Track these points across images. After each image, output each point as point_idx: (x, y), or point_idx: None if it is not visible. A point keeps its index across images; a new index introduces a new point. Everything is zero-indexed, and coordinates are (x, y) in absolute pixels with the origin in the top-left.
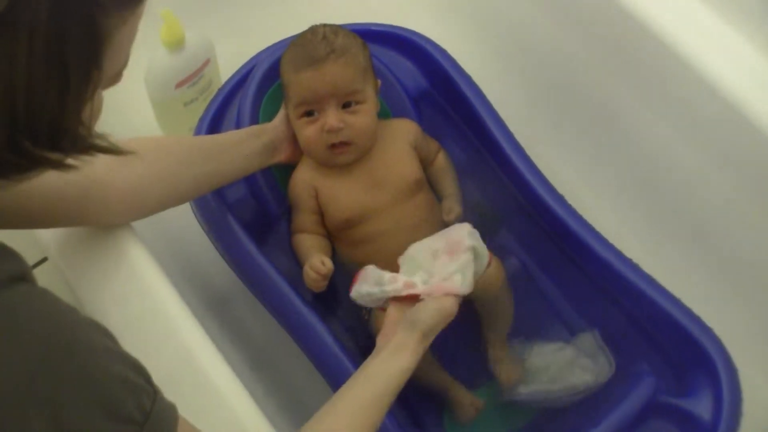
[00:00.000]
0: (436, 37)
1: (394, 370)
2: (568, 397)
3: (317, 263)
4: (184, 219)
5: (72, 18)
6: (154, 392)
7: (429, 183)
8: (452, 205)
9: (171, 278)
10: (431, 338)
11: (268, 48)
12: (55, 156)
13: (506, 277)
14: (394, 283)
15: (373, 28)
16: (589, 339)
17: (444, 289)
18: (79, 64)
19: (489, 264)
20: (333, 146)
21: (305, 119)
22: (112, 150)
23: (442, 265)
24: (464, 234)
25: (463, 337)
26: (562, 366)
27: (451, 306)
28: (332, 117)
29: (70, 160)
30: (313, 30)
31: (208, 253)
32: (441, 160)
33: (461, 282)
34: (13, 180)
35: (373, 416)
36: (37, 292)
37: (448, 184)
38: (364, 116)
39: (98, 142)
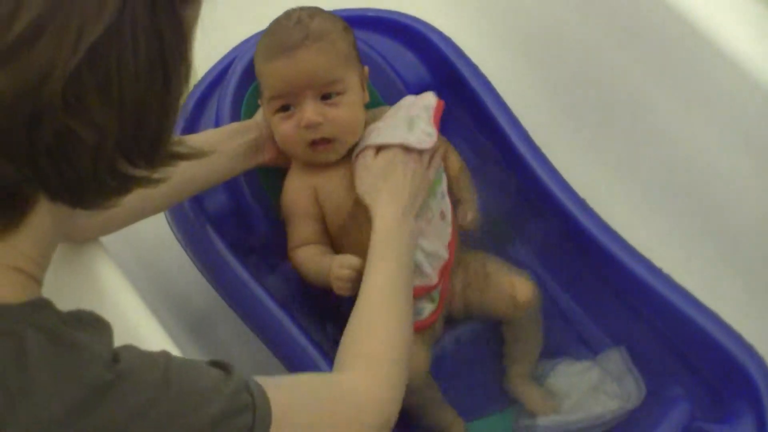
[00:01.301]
0: (441, 25)
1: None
2: (592, 429)
3: (348, 259)
4: (158, 231)
5: (164, 15)
6: (252, 403)
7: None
8: (468, 210)
9: (145, 298)
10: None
11: (250, 38)
12: (144, 173)
13: (539, 297)
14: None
15: (370, 13)
16: (615, 357)
17: (397, 140)
18: (174, 62)
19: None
20: (313, 143)
21: (280, 114)
22: (194, 155)
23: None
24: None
25: (478, 363)
26: (586, 392)
27: (404, 154)
28: (309, 111)
29: (156, 175)
30: (287, 14)
31: (186, 270)
32: (453, 162)
33: (407, 131)
34: (106, 207)
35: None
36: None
37: (464, 188)
38: (346, 109)
39: (180, 149)
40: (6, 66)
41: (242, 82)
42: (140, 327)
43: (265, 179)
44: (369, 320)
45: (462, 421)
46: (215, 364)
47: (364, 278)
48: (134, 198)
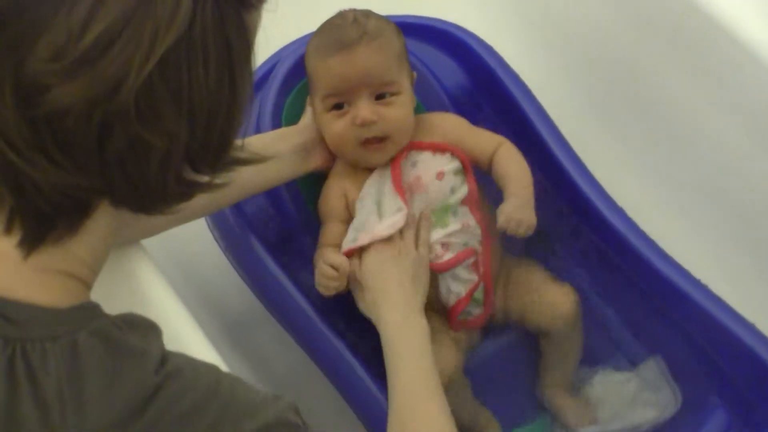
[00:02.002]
0: (480, 31)
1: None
2: None
3: (333, 258)
4: (197, 235)
5: (231, 22)
6: (303, 425)
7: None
8: (504, 208)
9: (185, 301)
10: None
11: (291, 43)
12: (207, 178)
13: (580, 309)
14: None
15: (409, 20)
16: (652, 366)
17: (369, 237)
18: (241, 68)
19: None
20: (366, 142)
21: (333, 113)
22: (254, 160)
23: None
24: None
25: (514, 372)
26: (624, 401)
27: (384, 247)
28: (364, 109)
29: (218, 180)
30: (341, 14)
31: (226, 274)
32: (502, 155)
33: (377, 219)
34: (169, 212)
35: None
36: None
37: (509, 183)
38: (400, 108)
39: (241, 155)
40: (79, 75)
41: (283, 87)
42: (180, 331)
43: (303, 184)
44: (405, 422)
45: (497, 423)
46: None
47: (389, 386)
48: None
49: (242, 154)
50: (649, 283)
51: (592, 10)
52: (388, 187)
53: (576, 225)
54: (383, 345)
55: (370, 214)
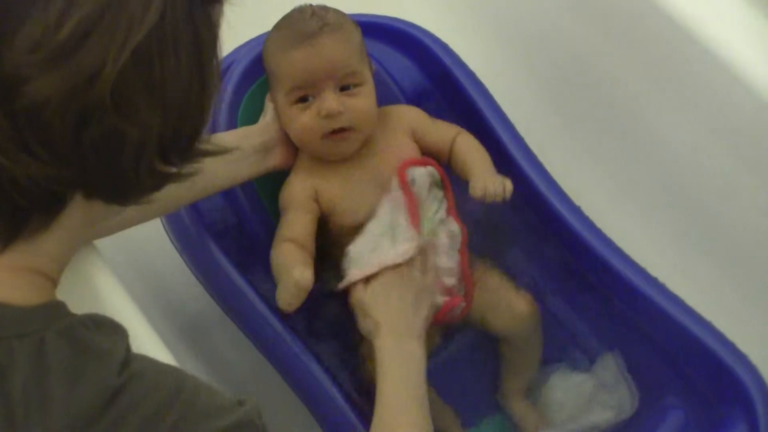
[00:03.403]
0: (436, 29)
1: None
2: None
3: (297, 274)
4: (152, 236)
5: (198, 14)
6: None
7: (456, 172)
8: (477, 181)
9: (140, 304)
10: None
11: (246, 43)
12: (172, 169)
13: (539, 317)
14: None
15: (364, 18)
16: (610, 363)
17: (378, 263)
18: (209, 60)
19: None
20: (332, 133)
21: (298, 106)
22: (219, 151)
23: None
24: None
25: (472, 371)
26: (581, 402)
27: (393, 275)
28: (330, 100)
29: (185, 170)
30: (299, 9)
31: (182, 276)
32: (461, 143)
33: (390, 245)
34: (141, 203)
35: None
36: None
37: (473, 166)
38: (365, 99)
39: (208, 146)
40: (56, 67)
41: (239, 87)
42: (134, 332)
43: (261, 186)
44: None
45: (460, 422)
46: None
47: (375, 410)
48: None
49: (210, 146)
50: (606, 282)
51: (550, 10)
52: (403, 216)
53: (532, 223)
54: (376, 374)
55: (383, 239)
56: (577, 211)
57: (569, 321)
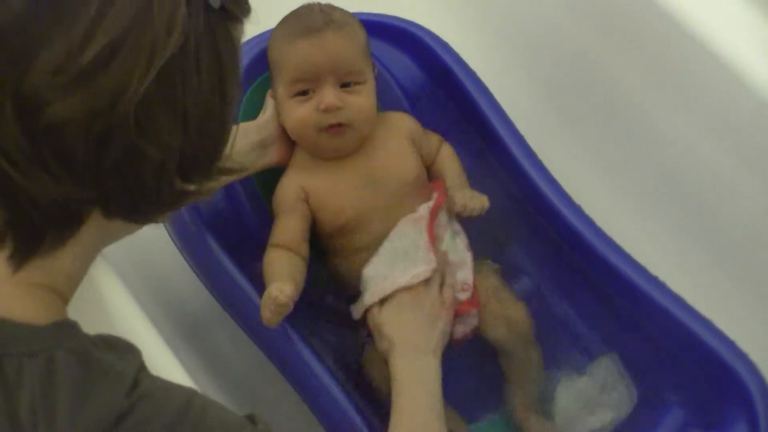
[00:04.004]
0: (436, 27)
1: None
2: None
3: (275, 291)
4: (153, 233)
5: (219, 34)
6: None
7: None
8: (457, 198)
9: (140, 301)
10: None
11: (246, 42)
12: (191, 187)
13: (532, 325)
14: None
15: (364, 17)
16: (607, 364)
17: (392, 286)
18: (230, 78)
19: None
20: (329, 128)
21: (297, 98)
22: (239, 170)
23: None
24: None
25: (469, 365)
26: (584, 407)
27: (406, 294)
28: (330, 94)
29: (205, 187)
30: (306, 6)
31: (182, 274)
32: (444, 154)
33: (405, 268)
34: (158, 221)
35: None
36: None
37: (452, 175)
38: (364, 97)
39: (228, 165)
40: (78, 90)
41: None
42: (135, 331)
43: (260, 182)
44: None
45: (465, 422)
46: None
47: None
48: None
49: (229, 164)
50: (605, 280)
51: (550, 9)
52: (423, 242)
53: (531, 221)
54: (392, 387)
55: (398, 260)
56: (577, 209)
57: (570, 320)
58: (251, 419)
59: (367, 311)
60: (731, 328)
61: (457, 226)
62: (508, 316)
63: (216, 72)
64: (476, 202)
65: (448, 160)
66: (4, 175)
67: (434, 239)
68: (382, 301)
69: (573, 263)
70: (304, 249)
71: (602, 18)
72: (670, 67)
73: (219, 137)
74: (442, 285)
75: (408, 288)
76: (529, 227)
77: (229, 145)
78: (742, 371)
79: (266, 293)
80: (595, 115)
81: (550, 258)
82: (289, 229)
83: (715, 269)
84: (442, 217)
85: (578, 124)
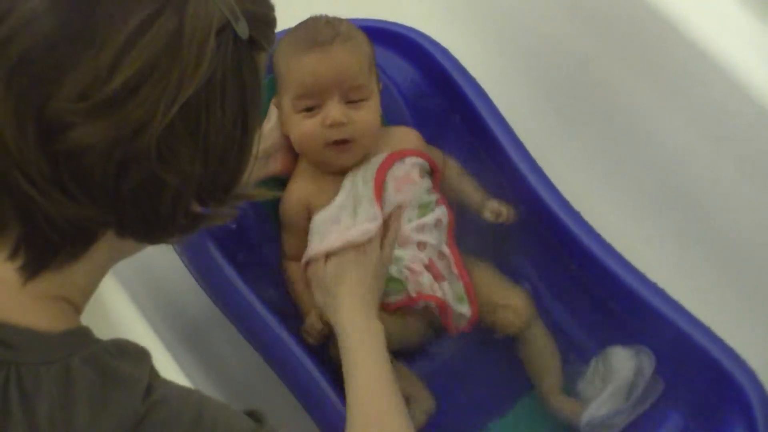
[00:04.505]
0: (434, 33)
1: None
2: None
3: (312, 322)
4: None
5: (246, 65)
6: None
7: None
8: (488, 205)
9: (140, 306)
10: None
11: None
12: (208, 212)
13: (534, 310)
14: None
15: (364, 23)
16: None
17: (341, 240)
18: (253, 108)
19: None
20: (334, 143)
21: (303, 113)
22: (258, 196)
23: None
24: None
25: (492, 359)
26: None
27: (354, 252)
28: (335, 110)
29: (222, 212)
30: (313, 18)
31: (182, 278)
32: (452, 168)
33: (352, 220)
34: (172, 243)
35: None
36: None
37: (470, 187)
38: (369, 113)
39: (246, 190)
40: (102, 117)
41: None
42: (134, 334)
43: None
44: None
45: (431, 396)
46: (250, 414)
47: (346, 388)
48: None
49: (247, 190)
50: (603, 285)
51: (549, 15)
52: (369, 191)
53: (530, 226)
54: (340, 349)
55: (344, 213)
56: (576, 214)
57: (566, 324)
58: (257, 418)
59: (306, 266)
60: (730, 334)
61: (442, 209)
62: (507, 305)
63: (240, 103)
64: (508, 211)
65: (460, 174)
66: (23, 193)
67: (381, 191)
68: (328, 255)
69: (571, 269)
70: None
71: (601, 23)
72: (669, 73)
73: (238, 166)
74: (384, 242)
75: (354, 244)
76: (528, 232)
77: (247, 173)
78: (740, 377)
79: (309, 323)
80: (594, 120)
81: (549, 263)
82: (301, 240)
83: (714, 275)
84: (421, 182)
85: (577, 129)
